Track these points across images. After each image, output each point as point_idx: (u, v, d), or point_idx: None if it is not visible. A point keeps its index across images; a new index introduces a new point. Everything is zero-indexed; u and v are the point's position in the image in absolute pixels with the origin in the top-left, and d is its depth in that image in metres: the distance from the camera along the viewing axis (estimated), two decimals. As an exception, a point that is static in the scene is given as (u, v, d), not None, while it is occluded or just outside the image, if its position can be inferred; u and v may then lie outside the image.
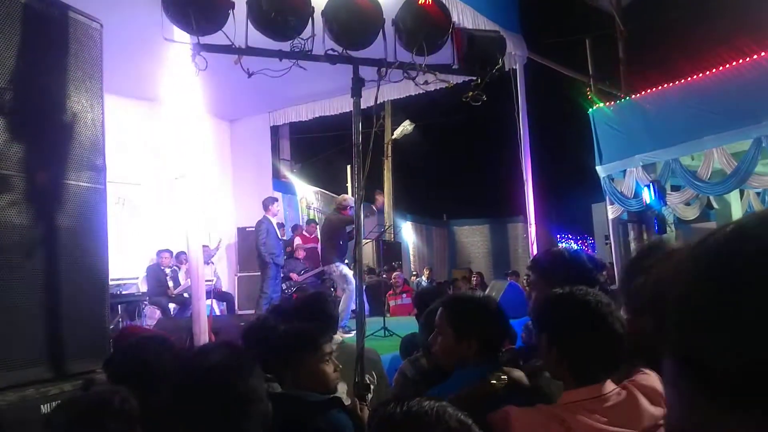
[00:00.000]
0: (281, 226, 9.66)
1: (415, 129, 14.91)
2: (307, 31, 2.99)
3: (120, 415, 1.48)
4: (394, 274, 11.02)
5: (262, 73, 3.02)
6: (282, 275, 8.72)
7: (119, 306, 7.30)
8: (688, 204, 9.80)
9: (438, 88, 3.46)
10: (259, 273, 8.32)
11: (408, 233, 17.96)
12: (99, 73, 2.93)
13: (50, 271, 2.53)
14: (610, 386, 1.60)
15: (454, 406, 1.07)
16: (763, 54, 7.75)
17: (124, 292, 7.96)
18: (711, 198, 9.68)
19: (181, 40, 3.12)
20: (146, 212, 8.79)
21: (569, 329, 1.63)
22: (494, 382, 1.90)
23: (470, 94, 3.25)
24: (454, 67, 3.26)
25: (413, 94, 8.66)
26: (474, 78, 3.48)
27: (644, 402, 1.59)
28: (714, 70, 8.38)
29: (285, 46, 3.03)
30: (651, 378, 1.73)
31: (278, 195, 11.17)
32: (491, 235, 20.18)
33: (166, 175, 8.12)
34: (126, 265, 7.96)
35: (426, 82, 3.19)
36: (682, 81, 8.95)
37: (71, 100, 2.76)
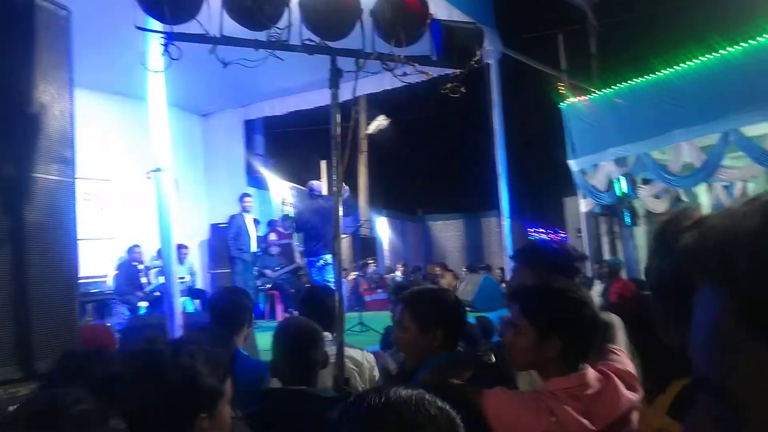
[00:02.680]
0: (257, 222, 9.54)
1: (390, 124, 14.89)
2: (284, 21, 2.93)
3: (73, 418, 1.41)
4: (371, 269, 11.02)
5: (237, 63, 2.95)
6: (256, 271, 8.62)
7: (88, 305, 7.12)
8: (657, 197, 9.98)
9: (418, 81, 3.43)
10: (231, 270, 8.24)
11: (383, 228, 17.95)
12: (68, 62, 2.82)
13: (17, 268, 2.44)
14: (591, 373, 1.63)
15: (432, 395, 1.04)
16: (730, 50, 7.91)
17: (92, 291, 7.76)
18: (680, 191, 9.87)
19: (154, 29, 3.03)
20: (116, 209, 8.58)
21: (570, 321, 1.64)
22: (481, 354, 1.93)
23: (449, 85, 3.24)
24: (432, 58, 3.24)
25: (389, 88, 8.62)
26: (452, 70, 3.47)
27: (622, 388, 1.62)
28: (684, 65, 8.53)
29: (261, 36, 2.97)
30: (623, 359, 1.77)
31: (252, 191, 11.04)
32: (465, 230, 20.31)
33: (137, 170, 7.95)
34: (94, 262, 7.77)
35: (405, 74, 3.16)
36: (653, 76, 9.09)
37: (38, 90, 2.65)
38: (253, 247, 8.37)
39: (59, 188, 2.69)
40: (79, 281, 3.11)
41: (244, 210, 8.42)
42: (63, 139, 2.74)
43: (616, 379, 1.63)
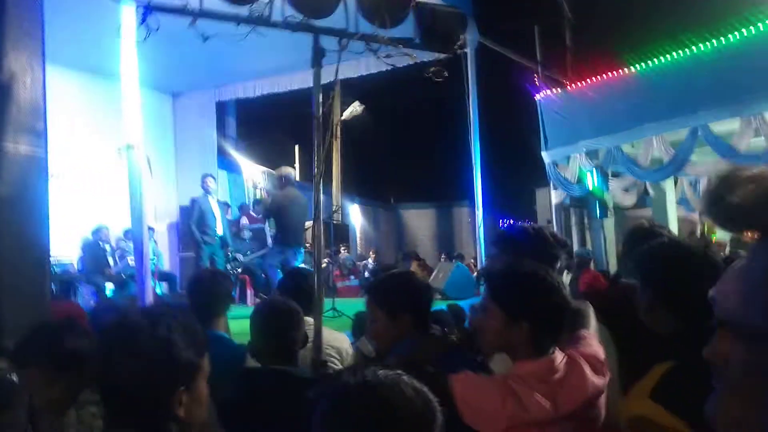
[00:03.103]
0: (226, 205, 9.40)
1: (365, 111, 14.82)
2: (266, -3, 2.87)
3: None
4: (344, 255, 10.98)
5: (217, 37, 2.88)
6: (228, 255, 8.51)
7: (52, 285, 6.92)
8: (626, 190, 10.18)
9: (403, 65, 3.40)
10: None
11: (355, 216, 17.92)
12: (39, 31, 2.71)
13: (-15, 242, 2.35)
14: (559, 356, 1.64)
15: (408, 375, 1.04)
16: (701, 46, 8.07)
17: (58, 271, 7.55)
18: (648, 186, 10.08)
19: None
20: (83, 187, 8.35)
21: (539, 305, 1.63)
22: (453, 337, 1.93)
23: (432, 69, 3.22)
24: (416, 41, 3.22)
25: (364, 74, 8.54)
26: (433, 56, 3.46)
27: (589, 372, 1.63)
28: (656, 61, 8.68)
29: (243, 11, 2.89)
30: (591, 342, 1.79)
31: (223, 173, 10.87)
32: (437, 219, 20.44)
33: (105, 149, 7.74)
34: (61, 242, 7.55)
35: (388, 56, 3.13)
36: (625, 70, 9.23)
37: (9, 59, 2.54)
38: (219, 230, 8.13)
39: (30, 161, 2.59)
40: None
41: (207, 192, 8.21)
42: (34, 110, 2.64)
43: (584, 364, 1.64)
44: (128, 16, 3.91)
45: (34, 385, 1.77)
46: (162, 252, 9.44)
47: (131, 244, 6.48)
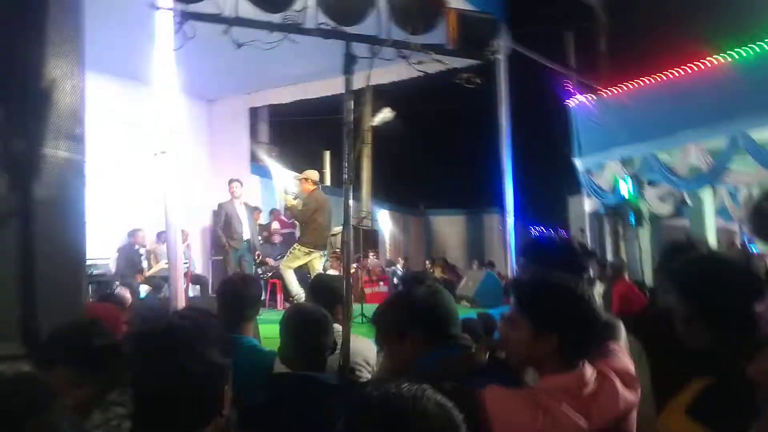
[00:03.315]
0: (257, 209, 9.50)
1: (395, 117, 14.81)
2: (299, 4, 2.90)
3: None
4: (374, 261, 10.98)
5: (251, 44, 2.91)
6: (258, 260, 8.59)
7: (89, 286, 7.09)
8: (662, 199, 9.96)
9: (434, 72, 3.38)
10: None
11: (385, 222, 17.92)
12: (80, 38, 2.78)
13: (25, 244, 2.41)
14: (589, 370, 1.58)
15: (434, 389, 1.03)
16: (740, 52, 7.86)
17: (95, 273, 7.73)
18: (685, 195, 9.84)
19: (167, 6, 2.99)
20: (119, 191, 8.55)
21: (567, 316, 1.58)
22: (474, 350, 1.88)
23: (464, 76, 3.20)
24: (448, 47, 3.20)
25: (395, 80, 8.57)
26: (464, 63, 3.44)
27: (620, 387, 1.58)
28: (694, 68, 8.49)
29: (276, 18, 2.93)
30: (622, 358, 1.73)
31: (255, 178, 10.99)
32: (467, 226, 20.29)
33: (142, 153, 7.91)
34: (98, 244, 7.73)
35: (420, 62, 3.12)
36: (662, 77, 9.05)
37: (50, 65, 2.62)
38: (246, 234, 8.19)
39: (68, 165, 2.66)
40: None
41: (233, 197, 8.32)
42: (73, 116, 2.71)
43: (615, 378, 1.59)
44: (164, 23, 4.00)
45: (59, 386, 1.70)
46: (195, 255, 9.59)
47: (164, 248, 6.60)
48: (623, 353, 1.77)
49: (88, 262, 7.28)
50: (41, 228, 2.50)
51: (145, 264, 8.32)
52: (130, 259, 8.20)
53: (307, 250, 6.96)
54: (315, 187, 7.10)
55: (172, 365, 1.31)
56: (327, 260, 7.46)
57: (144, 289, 8.12)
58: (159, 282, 8.04)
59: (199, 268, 9.76)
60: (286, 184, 11.68)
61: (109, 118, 8.39)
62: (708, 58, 8.30)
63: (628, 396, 1.59)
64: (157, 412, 1.32)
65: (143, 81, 6.19)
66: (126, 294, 6.58)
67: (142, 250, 8.36)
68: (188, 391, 1.32)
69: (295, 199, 7.16)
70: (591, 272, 2.27)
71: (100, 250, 8.08)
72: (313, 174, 7.26)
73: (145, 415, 1.35)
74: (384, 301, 2.33)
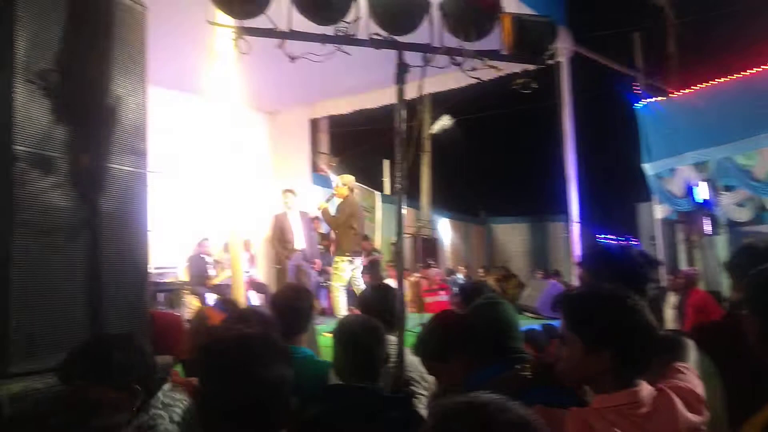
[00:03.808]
0: (316, 219, 9.62)
1: (454, 124, 14.73)
2: (351, 15, 2.91)
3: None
4: (433, 270, 10.91)
5: (304, 57, 2.95)
6: (318, 269, 8.69)
7: (159, 294, 7.40)
8: (740, 205, 9.39)
9: (489, 78, 3.32)
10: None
11: (445, 230, 17.80)
12: (143, 56, 2.90)
13: (92, 255, 2.52)
14: (646, 389, 1.48)
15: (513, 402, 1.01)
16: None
17: (165, 281, 8.06)
18: (765, 200, 9.25)
19: (224, 23, 3.07)
20: (184, 202, 8.88)
21: (620, 332, 1.49)
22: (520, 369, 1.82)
23: (520, 81, 3.12)
24: (502, 53, 3.13)
25: (454, 87, 8.51)
26: (522, 67, 3.36)
27: (681, 408, 1.47)
28: (773, 65, 8.00)
29: (329, 30, 2.95)
30: (689, 378, 1.61)
31: (317, 189, 11.17)
32: (530, 234, 19.83)
33: (206, 165, 8.18)
34: (165, 253, 8.05)
35: (473, 69, 3.07)
36: (737, 76, 8.57)
37: (115, 83, 2.74)
38: (299, 243, 8.25)
39: (132, 179, 2.76)
40: (152, 270, 3.20)
41: (285, 206, 8.43)
42: (137, 132, 2.82)
43: (675, 398, 1.48)
44: (223, 39, 4.13)
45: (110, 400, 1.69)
46: (259, 264, 9.82)
47: (229, 256, 6.78)
48: (690, 373, 1.66)
49: (158, 271, 7.62)
50: (107, 239, 2.61)
51: (212, 272, 8.58)
52: (197, 268, 8.49)
53: (348, 259, 6.85)
54: (350, 192, 7.02)
55: (247, 377, 1.35)
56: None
57: (211, 297, 8.39)
58: (225, 290, 8.28)
59: (263, 277, 9.98)
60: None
61: (176, 131, 8.73)
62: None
63: (690, 417, 1.48)
64: (231, 422, 1.35)
65: (204, 95, 6.41)
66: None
67: (209, 259, 8.63)
68: (262, 402, 1.36)
69: (327, 201, 7.06)
70: (659, 283, 2.16)
71: (169, 259, 8.42)
72: (350, 179, 7.20)
73: (219, 426, 1.38)
74: (425, 330, 2.32)
